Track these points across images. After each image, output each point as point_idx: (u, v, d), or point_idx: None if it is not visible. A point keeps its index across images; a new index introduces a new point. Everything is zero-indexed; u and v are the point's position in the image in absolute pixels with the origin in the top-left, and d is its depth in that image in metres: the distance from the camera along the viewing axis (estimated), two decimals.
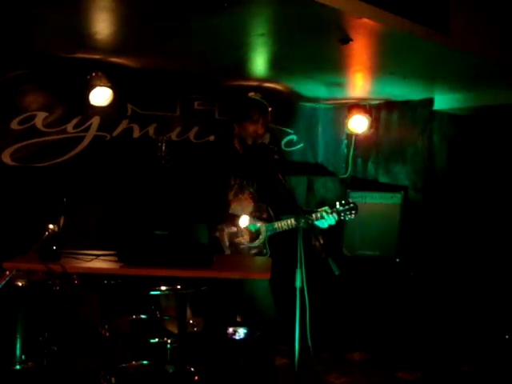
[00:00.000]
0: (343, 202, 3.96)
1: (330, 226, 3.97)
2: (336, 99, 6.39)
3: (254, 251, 3.95)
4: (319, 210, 3.95)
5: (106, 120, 5.18)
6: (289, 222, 3.92)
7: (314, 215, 3.89)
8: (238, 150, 4.05)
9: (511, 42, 4.53)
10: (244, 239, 3.93)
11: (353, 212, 3.97)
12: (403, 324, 5.71)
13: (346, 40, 3.76)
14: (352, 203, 3.98)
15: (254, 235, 3.95)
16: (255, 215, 3.96)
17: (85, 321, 4.59)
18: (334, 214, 3.92)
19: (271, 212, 3.99)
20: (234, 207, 3.96)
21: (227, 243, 3.88)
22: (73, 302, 4.54)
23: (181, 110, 5.65)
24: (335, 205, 3.96)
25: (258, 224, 3.95)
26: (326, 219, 3.91)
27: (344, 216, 3.96)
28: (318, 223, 3.92)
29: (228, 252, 3.87)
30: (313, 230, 3.68)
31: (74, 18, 3.56)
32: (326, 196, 6.91)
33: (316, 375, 4.78)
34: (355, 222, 5.61)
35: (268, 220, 3.97)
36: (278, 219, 3.97)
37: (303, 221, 3.33)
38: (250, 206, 3.98)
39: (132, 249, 3.28)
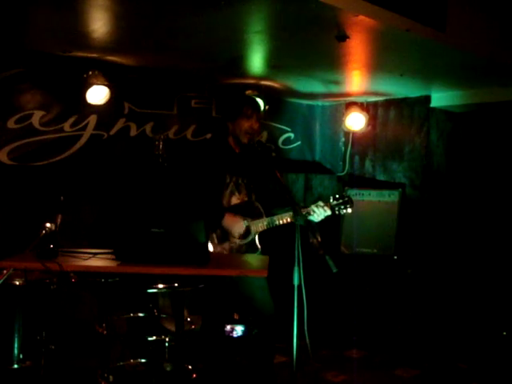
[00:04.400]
0: (337, 196, 3.94)
1: (323, 220, 3.94)
2: (333, 97, 6.39)
3: (243, 248, 3.94)
4: (313, 204, 3.93)
5: (103, 119, 5.17)
6: (282, 217, 3.90)
7: (306, 210, 3.87)
8: (234, 148, 4.06)
9: (508, 40, 4.54)
10: (234, 236, 3.93)
11: (348, 206, 3.93)
12: (401, 321, 5.72)
13: (343, 37, 3.76)
14: (347, 197, 3.94)
15: (244, 232, 3.94)
16: (246, 212, 3.95)
17: (82, 319, 4.58)
18: (327, 210, 3.90)
19: (262, 209, 3.98)
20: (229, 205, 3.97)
21: (216, 240, 3.88)
22: (70, 301, 4.53)
23: (178, 108, 5.64)
24: (329, 199, 3.95)
25: (249, 221, 3.94)
26: (319, 214, 3.89)
27: (339, 210, 3.93)
28: (312, 218, 3.90)
29: (217, 249, 3.87)
30: (310, 227, 3.68)
31: (70, 16, 3.56)
32: (324, 194, 6.90)
33: (314, 373, 4.78)
34: (353, 219, 5.68)
35: (259, 217, 3.96)
36: (271, 215, 3.96)
37: (300, 218, 3.33)
38: (242, 203, 3.98)
39: (129, 247, 3.28)
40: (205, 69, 5.16)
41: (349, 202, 3.94)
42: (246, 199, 4.01)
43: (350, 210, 3.95)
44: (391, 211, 5.97)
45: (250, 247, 3.94)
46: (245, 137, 3.97)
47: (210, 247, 3.86)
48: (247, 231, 3.94)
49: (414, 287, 5.82)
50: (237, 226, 3.89)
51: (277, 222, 3.92)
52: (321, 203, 3.91)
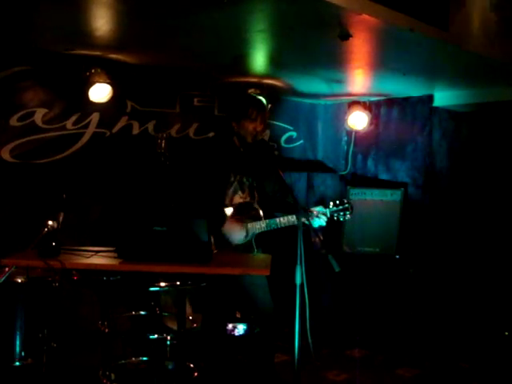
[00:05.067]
0: (337, 202, 3.92)
1: (321, 227, 3.93)
2: (336, 96, 6.38)
3: (240, 249, 3.91)
4: (312, 209, 3.91)
5: (106, 116, 5.17)
6: (282, 221, 3.89)
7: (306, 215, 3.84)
8: (238, 146, 4.05)
9: (511, 39, 4.53)
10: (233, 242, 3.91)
11: (347, 212, 3.91)
12: (403, 321, 5.72)
13: (346, 36, 3.75)
14: (347, 203, 3.92)
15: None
16: (244, 213, 3.93)
17: (84, 317, 4.59)
18: (323, 218, 3.87)
19: (261, 212, 3.96)
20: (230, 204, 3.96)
21: (212, 240, 3.86)
22: (72, 299, 4.54)
23: (180, 106, 5.63)
24: (329, 205, 3.93)
25: (247, 222, 3.91)
26: (314, 221, 3.86)
27: (338, 216, 3.91)
28: (311, 222, 3.88)
29: (215, 251, 3.84)
30: (311, 227, 3.67)
31: (73, 14, 3.56)
32: (326, 193, 6.91)
33: (316, 372, 4.78)
34: (355, 218, 5.65)
35: (255, 217, 3.94)
36: (271, 217, 3.94)
37: (303, 219, 3.31)
38: (242, 203, 3.96)
39: (131, 245, 3.29)
40: (207, 67, 5.15)
41: (348, 208, 3.91)
42: (248, 198, 3.99)
43: (349, 217, 3.93)
44: (393, 210, 5.97)
45: (247, 248, 3.91)
46: (249, 137, 3.96)
47: None
48: (244, 232, 3.92)
49: (416, 286, 5.81)
50: (236, 233, 3.87)
51: (275, 226, 3.90)
52: (319, 209, 3.90)
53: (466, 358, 5.20)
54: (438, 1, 3.94)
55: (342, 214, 3.90)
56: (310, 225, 3.83)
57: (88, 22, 3.77)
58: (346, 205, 3.91)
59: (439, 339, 5.56)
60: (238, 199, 3.98)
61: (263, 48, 4.42)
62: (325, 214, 3.87)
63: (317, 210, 3.89)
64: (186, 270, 3.33)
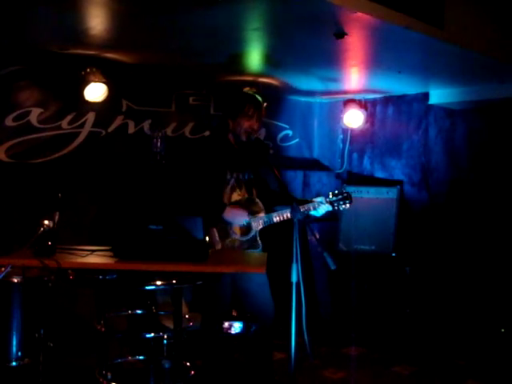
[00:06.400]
0: (336, 192, 3.97)
1: (323, 216, 3.97)
2: (331, 94, 6.38)
3: (245, 245, 3.93)
4: (313, 200, 3.94)
5: (101, 116, 5.17)
6: (280, 214, 3.90)
7: (307, 206, 3.89)
8: (233, 144, 4.04)
9: (506, 37, 4.54)
10: (235, 233, 3.91)
11: (346, 202, 3.96)
12: (399, 319, 5.72)
13: (341, 34, 3.76)
14: (345, 193, 3.97)
15: (245, 229, 3.93)
16: (247, 208, 3.93)
17: (80, 316, 4.59)
18: (328, 204, 3.92)
19: (262, 206, 3.97)
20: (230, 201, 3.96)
21: (217, 237, 3.86)
22: (68, 298, 4.54)
23: (176, 105, 5.63)
24: (328, 195, 3.96)
25: (250, 217, 3.92)
26: (319, 209, 3.90)
27: (338, 206, 3.95)
28: (313, 213, 3.92)
29: (218, 247, 3.85)
30: (308, 223, 3.67)
31: (68, 13, 3.55)
32: (322, 191, 6.89)
33: (312, 370, 4.79)
34: (351, 216, 5.67)
35: (259, 213, 3.95)
36: (271, 211, 3.95)
37: (299, 214, 3.32)
38: (243, 199, 3.97)
39: (127, 244, 3.28)
40: (203, 66, 5.15)
41: (348, 197, 3.96)
42: (246, 195, 4.00)
43: (348, 206, 3.98)
44: (389, 208, 5.97)
45: (252, 244, 3.92)
46: (244, 135, 3.96)
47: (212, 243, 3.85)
48: (248, 228, 3.93)
49: (412, 284, 5.82)
50: (239, 217, 3.87)
51: (275, 219, 3.92)
52: (320, 200, 3.92)
53: (462, 355, 5.22)
54: None
55: (341, 203, 3.95)
56: (309, 216, 3.87)
57: (83, 21, 3.76)
58: (345, 194, 3.97)
59: (435, 336, 5.57)
60: (236, 196, 3.98)
61: (259, 46, 4.42)
62: (328, 202, 3.91)
63: (318, 200, 3.92)
64: (181, 269, 3.32)
